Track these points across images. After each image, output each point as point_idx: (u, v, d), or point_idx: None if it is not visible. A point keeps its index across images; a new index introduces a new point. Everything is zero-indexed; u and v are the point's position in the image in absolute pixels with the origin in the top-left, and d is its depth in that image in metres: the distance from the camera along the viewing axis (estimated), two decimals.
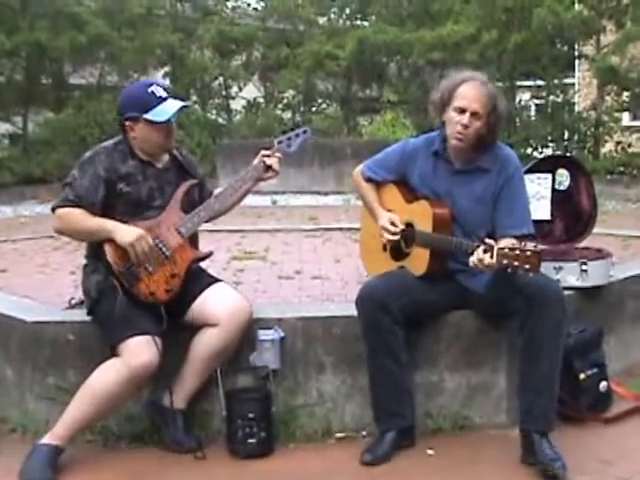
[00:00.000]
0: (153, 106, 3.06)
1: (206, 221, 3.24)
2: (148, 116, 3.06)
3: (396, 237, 3.25)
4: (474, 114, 3.05)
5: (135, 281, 2.99)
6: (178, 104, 3.11)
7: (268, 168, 3.28)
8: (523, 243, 2.78)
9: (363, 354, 3.11)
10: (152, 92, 3.09)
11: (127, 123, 3.10)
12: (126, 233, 2.97)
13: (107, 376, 2.87)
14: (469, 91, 3.06)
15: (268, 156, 3.28)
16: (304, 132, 3.42)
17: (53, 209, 3.08)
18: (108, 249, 2.98)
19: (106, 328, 3.01)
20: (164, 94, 3.09)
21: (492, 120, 3.09)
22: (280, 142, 3.35)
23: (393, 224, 3.25)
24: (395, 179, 3.36)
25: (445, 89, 3.12)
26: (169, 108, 3.08)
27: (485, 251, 2.80)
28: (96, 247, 3.07)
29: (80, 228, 3.04)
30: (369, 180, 3.43)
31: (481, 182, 3.16)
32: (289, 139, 3.37)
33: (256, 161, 3.29)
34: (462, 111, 3.06)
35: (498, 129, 3.14)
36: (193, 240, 3.20)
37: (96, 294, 3.04)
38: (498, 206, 3.13)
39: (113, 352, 2.91)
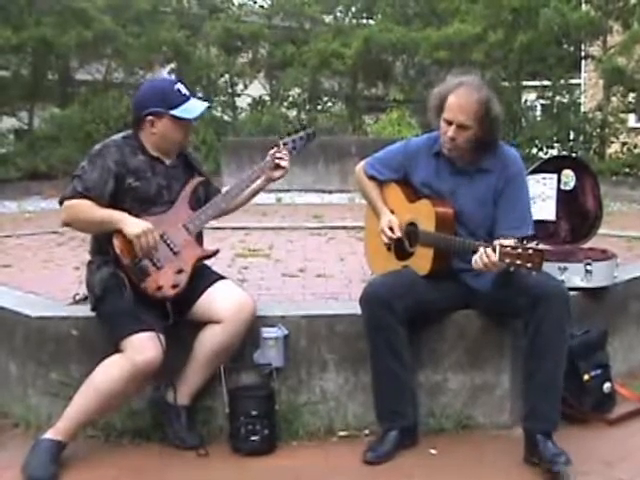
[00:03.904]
0: (179, 103, 3.09)
1: (212, 218, 3.25)
2: (176, 112, 3.08)
3: (391, 242, 3.25)
4: (460, 126, 3.04)
5: (144, 276, 2.99)
6: (203, 104, 3.18)
7: (277, 166, 3.29)
8: (525, 241, 2.77)
9: (366, 353, 3.10)
10: (178, 89, 3.12)
11: (149, 118, 3.08)
12: (134, 225, 2.96)
13: (110, 372, 2.86)
14: (455, 102, 3.03)
15: (275, 154, 3.30)
16: (309, 136, 3.42)
17: (61, 201, 3.06)
18: (116, 242, 2.97)
19: (110, 324, 3.00)
20: (187, 93, 3.14)
21: (486, 125, 3.05)
22: (285, 144, 3.35)
23: (391, 229, 3.25)
24: (398, 178, 3.36)
25: (438, 97, 3.09)
26: (195, 107, 3.13)
27: (487, 250, 2.80)
28: (102, 243, 3.06)
29: (87, 219, 3.02)
30: (372, 178, 3.43)
31: (483, 182, 3.15)
32: (294, 141, 3.38)
33: (265, 161, 3.31)
34: (449, 123, 3.05)
35: (496, 131, 3.11)
36: (198, 238, 3.20)
37: (100, 291, 3.03)
38: (499, 206, 3.13)
39: (116, 348, 2.90)
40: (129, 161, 3.08)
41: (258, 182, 3.34)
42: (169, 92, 3.11)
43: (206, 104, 3.23)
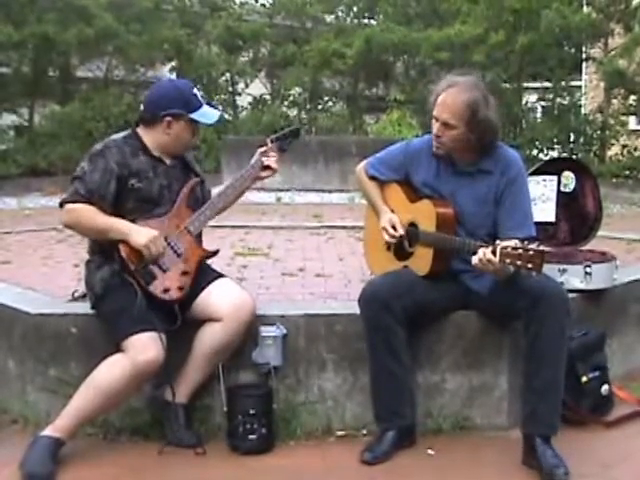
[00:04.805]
0: (197, 107, 3.13)
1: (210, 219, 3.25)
2: (194, 116, 3.12)
3: (394, 240, 3.25)
4: (445, 124, 3.05)
5: (151, 279, 2.99)
6: (217, 111, 3.25)
7: (266, 167, 3.31)
8: (526, 242, 2.77)
9: (365, 352, 3.10)
10: (195, 94, 3.16)
11: (167, 119, 3.09)
12: (141, 235, 2.95)
13: (111, 372, 2.85)
14: (443, 100, 3.04)
15: (265, 153, 3.32)
16: (294, 132, 3.45)
17: (62, 203, 3.05)
18: (123, 248, 2.96)
19: (111, 323, 2.99)
20: (202, 99, 3.19)
21: (473, 126, 3.03)
22: (272, 141, 3.37)
23: (394, 227, 3.25)
24: (399, 178, 3.36)
25: (433, 95, 3.11)
26: (211, 113, 3.20)
27: (488, 251, 2.80)
28: (103, 243, 3.04)
29: (91, 226, 3.01)
30: (372, 178, 3.43)
31: (484, 183, 3.15)
32: (280, 139, 3.40)
33: (254, 159, 3.33)
34: (436, 120, 3.08)
35: (487, 133, 3.08)
36: (198, 237, 3.20)
37: (101, 289, 3.03)
38: (500, 208, 3.13)
39: (118, 347, 2.89)
40: (130, 162, 3.08)
41: (248, 181, 3.36)
42: (189, 95, 3.14)
43: (219, 112, 3.29)
